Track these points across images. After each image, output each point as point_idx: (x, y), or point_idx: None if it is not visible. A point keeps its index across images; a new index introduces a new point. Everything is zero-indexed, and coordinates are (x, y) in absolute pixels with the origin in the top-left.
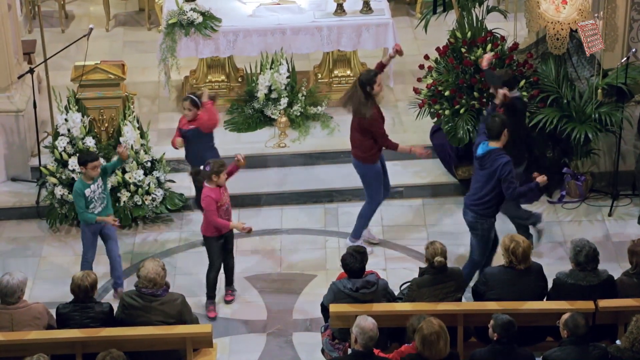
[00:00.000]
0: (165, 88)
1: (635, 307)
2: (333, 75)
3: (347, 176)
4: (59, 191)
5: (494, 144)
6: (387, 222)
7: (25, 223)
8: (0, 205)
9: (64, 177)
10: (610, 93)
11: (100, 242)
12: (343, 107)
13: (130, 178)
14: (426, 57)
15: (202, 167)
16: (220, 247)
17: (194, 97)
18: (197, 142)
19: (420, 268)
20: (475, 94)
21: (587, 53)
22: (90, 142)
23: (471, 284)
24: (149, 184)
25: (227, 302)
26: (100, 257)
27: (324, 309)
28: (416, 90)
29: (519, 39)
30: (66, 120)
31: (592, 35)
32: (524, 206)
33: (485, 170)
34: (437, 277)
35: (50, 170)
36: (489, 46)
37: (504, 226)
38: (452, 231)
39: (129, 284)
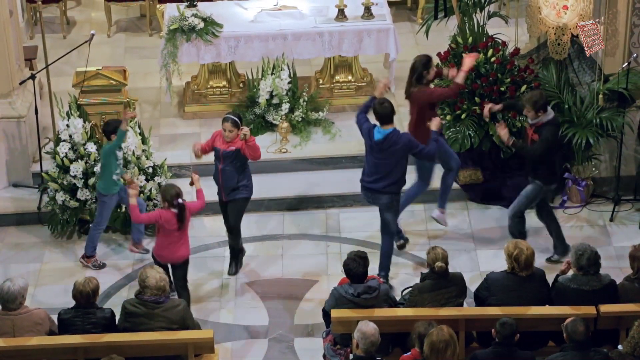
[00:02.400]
0: (167, 94)
1: (637, 312)
2: (334, 81)
3: (348, 181)
4: (61, 197)
5: (389, 127)
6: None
7: (27, 229)
8: (1, 211)
9: (65, 183)
10: (612, 98)
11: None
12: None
13: None
14: None
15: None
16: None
17: (235, 118)
18: (231, 164)
19: (421, 273)
20: (477, 99)
21: (587, 53)
22: (92, 147)
23: (473, 289)
24: (150, 190)
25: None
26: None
27: (326, 315)
28: None
29: (520, 44)
30: (68, 126)
31: (592, 35)
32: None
33: (389, 152)
34: (439, 283)
35: (51, 176)
36: (490, 51)
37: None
38: (453, 236)
39: (131, 291)
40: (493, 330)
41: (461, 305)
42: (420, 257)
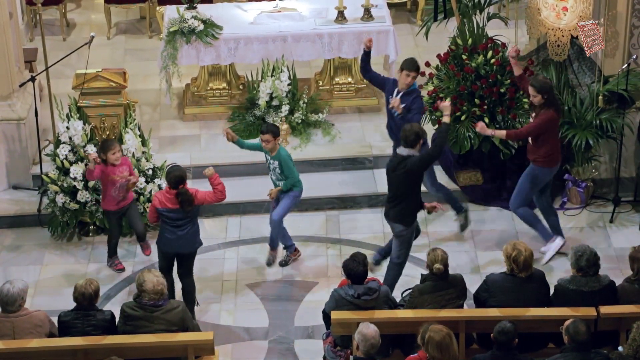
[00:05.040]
0: (167, 96)
1: (637, 313)
2: (334, 83)
3: (348, 183)
4: (61, 199)
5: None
6: (388, 229)
7: (27, 231)
8: (1, 213)
9: (65, 185)
10: (611, 99)
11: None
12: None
13: None
14: (427, 64)
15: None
16: (117, 219)
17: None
18: None
19: (421, 275)
20: (476, 100)
21: (587, 53)
22: (91, 149)
23: (472, 290)
24: (150, 192)
25: (148, 255)
26: (101, 265)
27: (326, 316)
28: None
29: (520, 45)
30: (68, 128)
31: (592, 35)
32: None
33: None
34: (439, 284)
35: (51, 178)
36: (490, 53)
37: (502, 234)
38: (453, 238)
39: (131, 294)
40: (492, 336)
41: (461, 306)
42: (420, 258)
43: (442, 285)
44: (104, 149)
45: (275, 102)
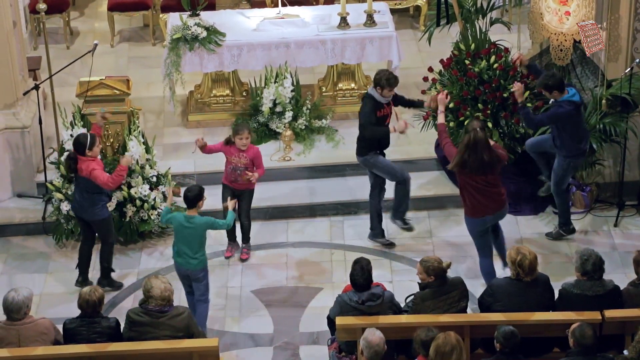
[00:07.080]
0: (170, 103)
1: None
2: (337, 89)
3: (352, 189)
4: (65, 207)
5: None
6: (392, 234)
7: (32, 239)
8: (6, 221)
9: (69, 192)
10: (615, 103)
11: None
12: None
13: (135, 193)
14: (430, 70)
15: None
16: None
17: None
18: None
19: (419, 283)
20: (480, 105)
21: (587, 53)
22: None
23: (477, 294)
24: (154, 199)
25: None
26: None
27: (330, 322)
28: None
29: (523, 50)
30: (72, 135)
31: (592, 35)
32: None
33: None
34: (439, 289)
35: (56, 186)
36: (493, 58)
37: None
38: (457, 242)
39: (136, 301)
40: (498, 344)
41: (465, 308)
42: None
43: (442, 290)
44: (235, 132)
45: (278, 109)
